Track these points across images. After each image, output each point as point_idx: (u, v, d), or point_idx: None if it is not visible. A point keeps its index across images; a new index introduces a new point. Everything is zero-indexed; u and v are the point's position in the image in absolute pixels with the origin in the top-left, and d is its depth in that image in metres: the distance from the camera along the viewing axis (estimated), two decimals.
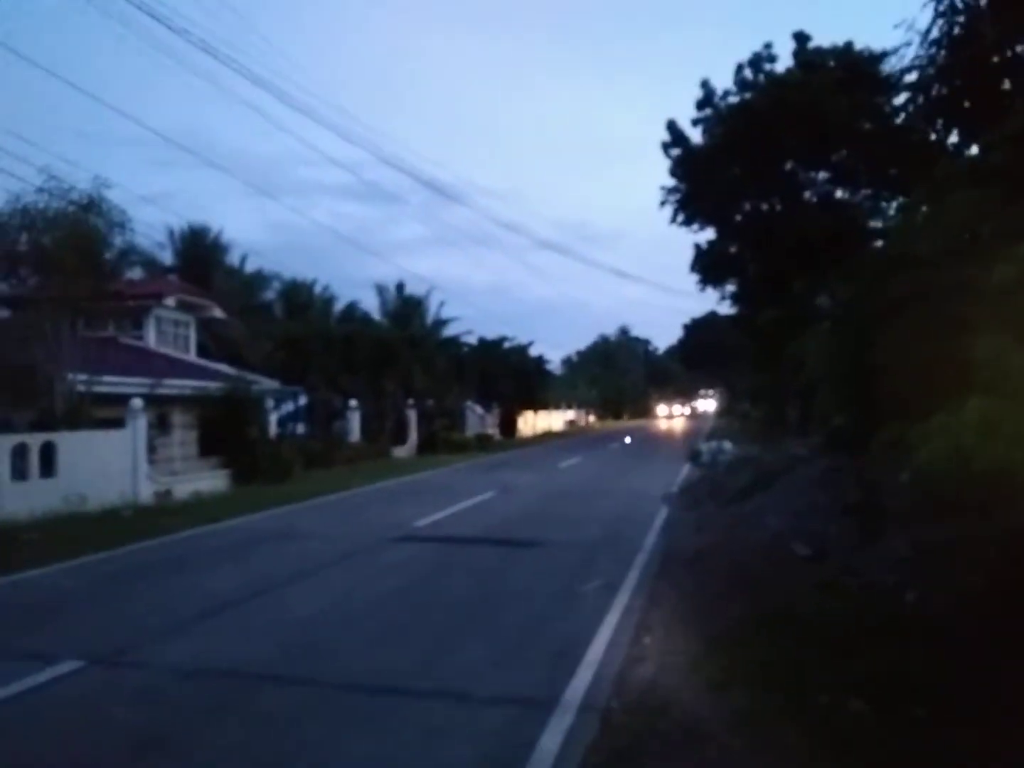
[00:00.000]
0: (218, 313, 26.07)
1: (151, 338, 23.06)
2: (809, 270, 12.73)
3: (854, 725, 4.60)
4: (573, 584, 8.38)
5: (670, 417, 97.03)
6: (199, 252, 31.64)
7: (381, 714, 5.00)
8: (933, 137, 8.25)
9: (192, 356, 24.71)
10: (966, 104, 6.66)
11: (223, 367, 23.25)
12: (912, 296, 5.44)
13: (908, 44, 7.32)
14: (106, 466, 15.30)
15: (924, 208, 5.25)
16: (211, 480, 18.39)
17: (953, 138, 7.73)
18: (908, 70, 7.47)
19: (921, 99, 7.54)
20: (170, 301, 23.61)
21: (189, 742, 4.63)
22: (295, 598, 8.04)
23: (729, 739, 4.55)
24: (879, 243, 10.61)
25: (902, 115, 9.83)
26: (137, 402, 16.27)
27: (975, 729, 4.45)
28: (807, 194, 24.94)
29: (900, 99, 8.86)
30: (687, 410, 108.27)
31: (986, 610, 6.14)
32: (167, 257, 31.50)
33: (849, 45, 22.54)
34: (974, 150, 6.88)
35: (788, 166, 24.24)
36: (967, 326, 4.38)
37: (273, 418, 22.89)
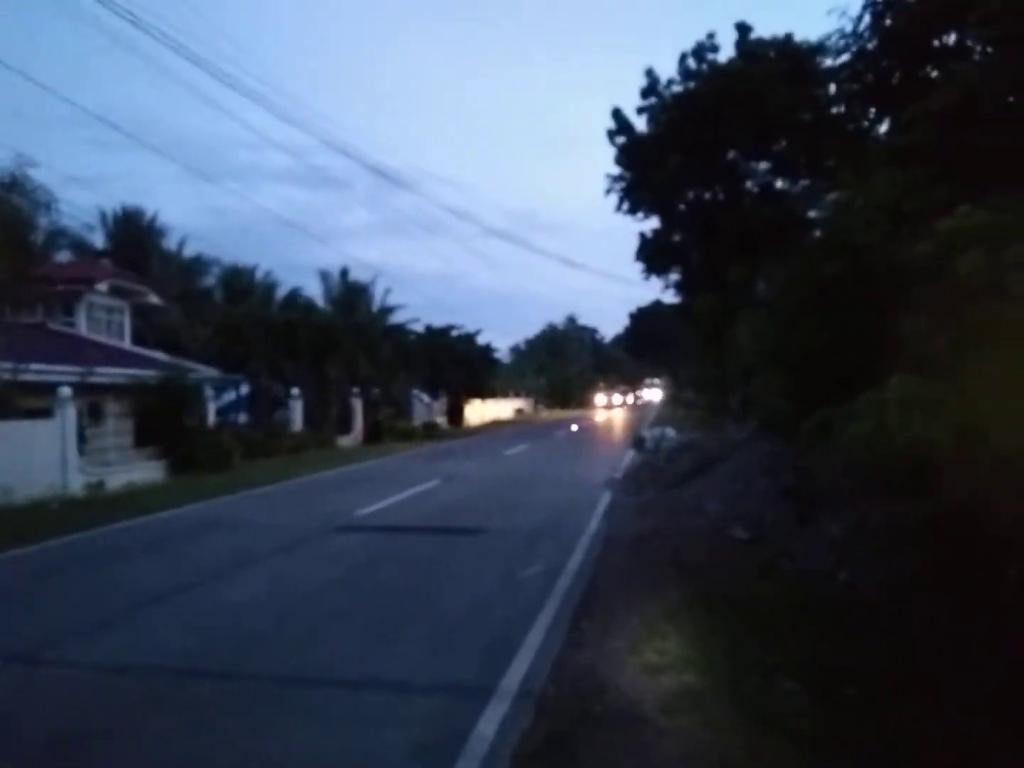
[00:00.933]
0: (154, 299, 25.28)
1: (83, 325, 22.26)
2: (749, 258, 12.89)
3: (786, 705, 4.66)
4: (514, 570, 8.36)
5: (609, 407, 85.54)
6: (133, 236, 30.62)
7: (315, 705, 4.90)
8: (865, 125, 8.39)
9: (127, 344, 23.95)
10: (893, 81, 6.77)
11: (159, 355, 22.60)
12: (842, 279, 5.50)
13: (841, 31, 7.43)
14: (33, 457, 14.73)
15: (849, 190, 5.29)
16: (147, 471, 17.87)
17: (884, 127, 7.89)
18: (840, 53, 7.58)
19: (852, 85, 7.67)
20: (102, 286, 22.79)
21: (111, 740, 4.47)
22: (230, 590, 7.85)
23: (664, 721, 4.58)
24: (818, 233, 10.79)
25: (838, 105, 10.00)
26: (65, 391, 15.68)
27: (904, 706, 4.55)
28: (748, 184, 25.25)
29: (834, 88, 9.01)
30: (629, 399, 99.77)
31: (915, 590, 6.29)
32: (99, 241, 30.50)
33: (789, 37, 22.84)
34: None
35: (730, 155, 24.48)
36: (895, 307, 4.44)
37: (212, 407, 22.32)
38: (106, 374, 18.73)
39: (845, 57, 7.84)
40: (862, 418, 4.08)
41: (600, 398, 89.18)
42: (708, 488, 12.44)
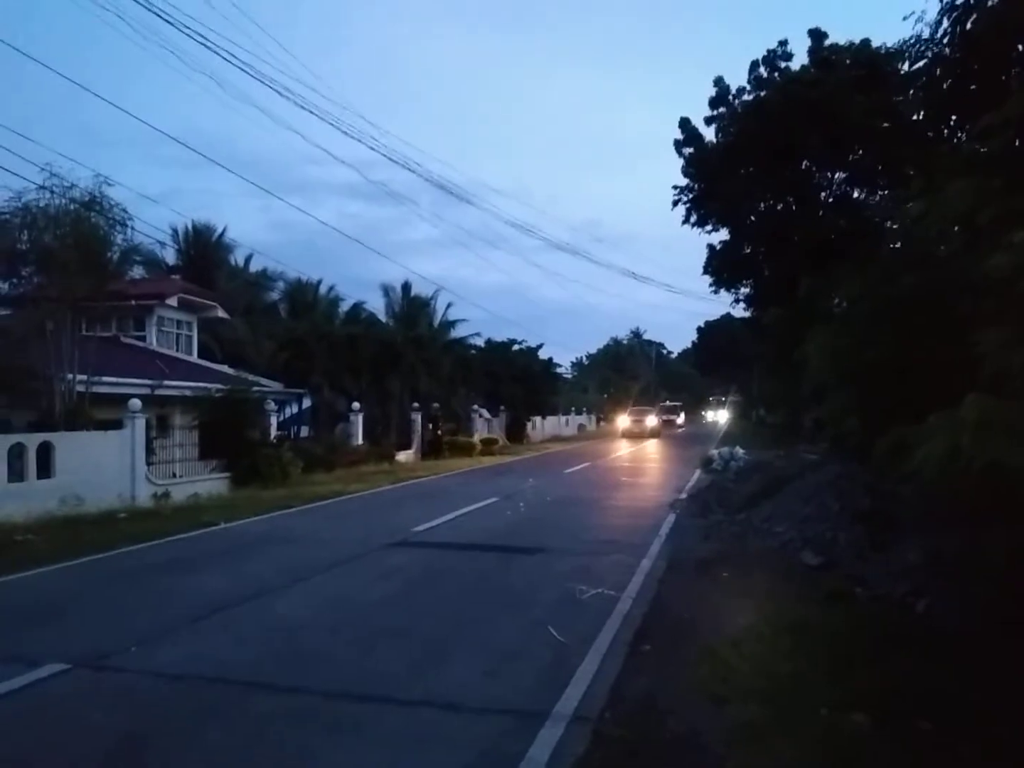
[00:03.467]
0: (221, 313, 26.05)
1: (153, 338, 23.05)
2: (823, 271, 12.41)
3: (855, 739, 4.44)
4: (573, 592, 8.18)
5: (639, 435, 49.13)
6: (202, 251, 31.65)
7: (368, 723, 4.85)
8: (945, 133, 8.07)
9: (194, 357, 24.70)
10: (972, 87, 6.47)
11: (225, 368, 23.18)
12: (918, 293, 5.24)
13: (918, 36, 7.16)
14: (104, 468, 15.20)
15: (922, 200, 5.03)
16: (210, 483, 18.24)
17: (964, 135, 7.57)
18: (916, 59, 7.31)
19: (929, 92, 7.38)
20: (172, 301, 23.60)
21: (169, 748, 4.51)
22: (287, 603, 7.87)
23: (725, 753, 4.40)
24: (896, 245, 10.36)
25: (916, 112, 9.64)
26: (135, 403, 16.15)
27: (980, 742, 4.28)
28: (823, 194, 24.63)
29: (911, 95, 8.69)
30: (681, 419, 69.86)
31: (996, 621, 5.95)
32: (170, 256, 31.59)
33: (866, 42, 22.21)
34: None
35: (803, 165, 23.95)
36: (972, 322, 4.19)
37: (274, 420, 22.69)
38: (174, 387, 19.31)
39: (922, 64, 7.57)
40: (935, 439, 3.83)
41: (623, 420, 54.60)
42: (778, 510, 12.07)
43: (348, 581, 8.99)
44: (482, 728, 4.77)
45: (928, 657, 5.61)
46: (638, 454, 35.55)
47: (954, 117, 7.43)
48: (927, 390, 5.23)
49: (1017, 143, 5.11)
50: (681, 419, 70.31)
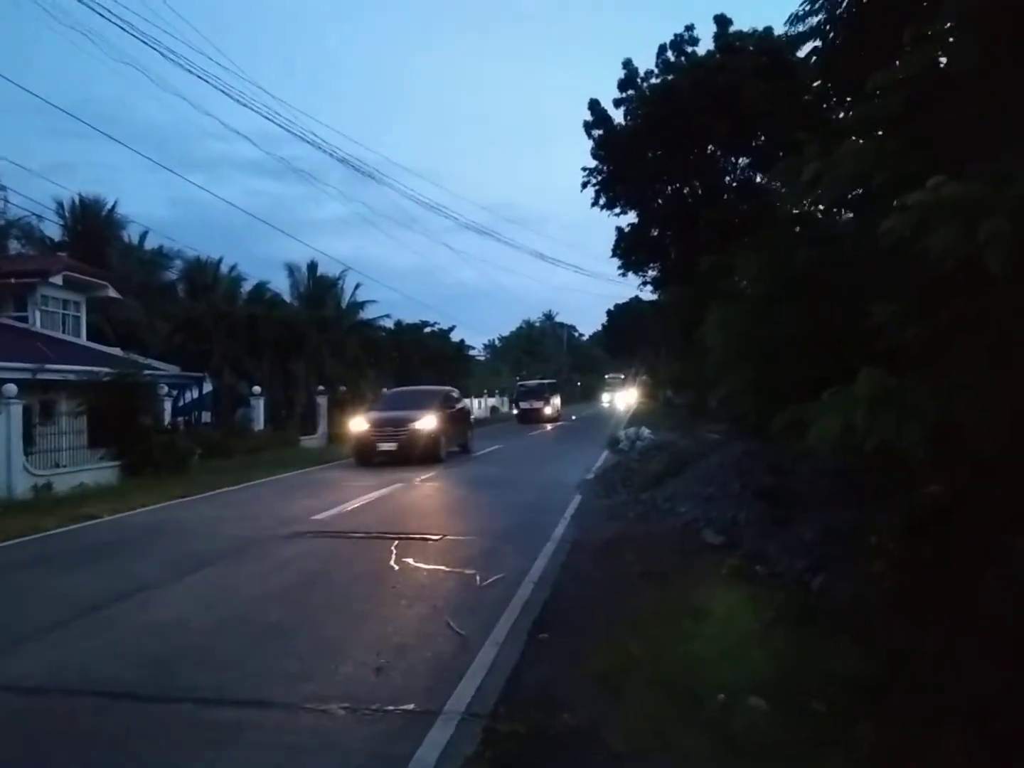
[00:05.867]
0: (112, 293, 24.59)
1: (36, 319, 21.60)
2: (725, 251, 12.48)
3: (750, 723, 4.34)
4: (472, 580, 7.94)
5: (396, 456, 19.71)
6: (92, 227, 29.74)
7: (244, 730, 4.51)
8: (842, 98, 8.11)
9: (82, 339, 23.31)
10: (864, 50, 6.41)
11: (116, 351, 21.93)
12: (813, 268, 5.15)
13: (815, 9, 7.10)
14: None
15: (813, 164, 4.89)
16: (99, 472, 17.17)
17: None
18: (813, 36, 7.28)
19: (823, 54, 7.39)
20: (57, 279, 22.12)
21: None
22: (167, 601, 7.37)
23: (621, 742, 4.26)
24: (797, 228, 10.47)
25: (818, 83, 9.67)
26: (11, 388, 14.99)
27: (876, 722, 4.24)
28: (728, 179, 25.01)
29: (808, 75, 8.72)
30: (552, 408, 45.37)
31: (889, 597, 6.00)
32: (56, 232, 29.64)
33: (768, 30, 22.58)
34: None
35: (709, 150, 24.25)
36: (868, 294, 4.10)
37: (169, 406, 21.49)
38: (58, 371, 18.11)
39: (816, 41, 7.57)
40: (829, 416, 3.74)
41: (358, 423, 21.33)
42: (681, 490, 12.16)
43: (237, 575, 8.50)
44: (369, 730, 4.51)
45: (821, 635, 5.60)
46: (549, 433, 35.37)
47: (847, 80, 7.37)
48: (828, 366, 5.17)
49: (909, 103, 5.00)
50: (553, 407, 46.17)
